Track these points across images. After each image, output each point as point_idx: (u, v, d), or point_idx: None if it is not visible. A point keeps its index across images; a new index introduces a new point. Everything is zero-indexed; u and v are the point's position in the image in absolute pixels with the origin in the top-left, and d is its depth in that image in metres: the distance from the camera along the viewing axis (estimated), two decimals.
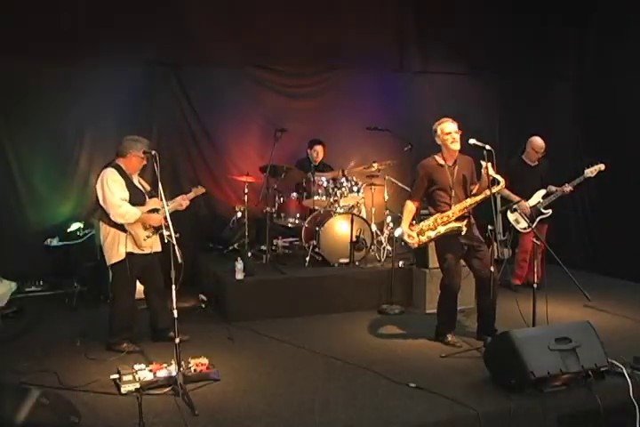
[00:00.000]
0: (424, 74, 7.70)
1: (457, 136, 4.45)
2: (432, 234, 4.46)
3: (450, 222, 4.45)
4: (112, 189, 4.31)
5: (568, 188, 6.05)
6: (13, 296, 5.61)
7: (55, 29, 6.06)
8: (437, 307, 4.75)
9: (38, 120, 6.18)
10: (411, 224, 4.55)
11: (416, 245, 4.56)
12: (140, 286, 4.67)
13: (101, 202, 4.37)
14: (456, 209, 4.46)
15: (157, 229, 4.50)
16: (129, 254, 4.37)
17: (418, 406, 3.53)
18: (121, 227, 4.37)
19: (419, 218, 4.74)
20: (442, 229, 4.44)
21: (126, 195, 4.36)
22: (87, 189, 6.45)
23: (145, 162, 4.52)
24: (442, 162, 4.55)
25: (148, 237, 4.45)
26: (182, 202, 4.68)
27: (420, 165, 4.61)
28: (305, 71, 7.27)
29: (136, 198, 4.43)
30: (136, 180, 4.57)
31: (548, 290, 5.00)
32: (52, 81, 6.16)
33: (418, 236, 4.47)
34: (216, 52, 6.76)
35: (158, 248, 4.64)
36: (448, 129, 4.46)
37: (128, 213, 4.31)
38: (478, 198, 4.43)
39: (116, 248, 4.37)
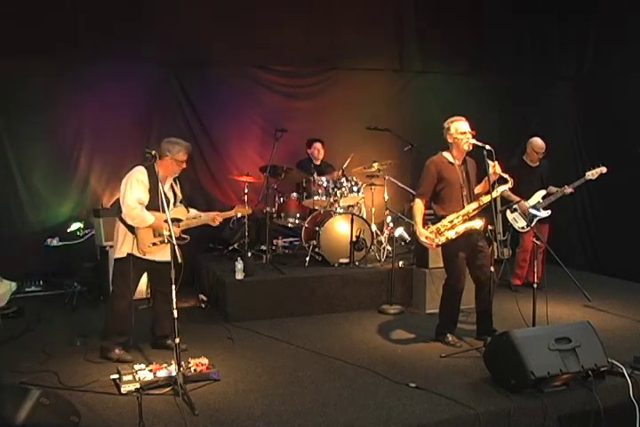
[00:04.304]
0: (424, 74, 7.71)
1: (470, 136, 4.40)
2: (451, 234, 4.36)
3: (467, 221, 4.40)
4: (133, 187, 4.14)
5: (568, 189, 6.05)
6: (13, 296, 5.61)
7: (55, 29, 6.07)
8: (440, 307, 4.72)
9: (38, 120, 6.18)
10: (423, 225, 4.46)
11: (434, 247, 4.49)
12: (142, 287, 4.63)
13: (121, 197, 4.20)
14: (470, 208, 4.42)
15: (168, 240, 4.24)
16: (130, 255, 4.21)
17: (418, 406, 3.53)
18: (130, 227, 4.21)
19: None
20: (460, 229, 4.37)
21: (145, 198, 4.17)
22: (87, 189, 6.48)
23: (184, 166, 4.34)
24: (452, 160, 4.50)
25: (153, 244, 4.24)
26: (216, 218, 4.52)
27: (430, 161, 4.53)
28: (305, 71, 7.28)
29: (157, 204, 4.15)
30: (168, 185, 4.38)
31: (548, 290, 5.02)
32: (52, 81, 6.17)
33: (436, 237, 4.39)
34: (216, 52, 6.76)
35: (167, 257, 4.27)
36: (463, 128, 4.41)
37: (139, 217, 4.12)
38: (492, 197, 4.33)
39: (120, 245, 4.24)
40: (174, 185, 4.47)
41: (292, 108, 7.20)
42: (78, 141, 6.40)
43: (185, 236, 4.37)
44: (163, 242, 4.24)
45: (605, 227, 7.43)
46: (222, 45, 6.77)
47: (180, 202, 4.50)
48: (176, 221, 4.33)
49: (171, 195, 4.41)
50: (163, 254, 4.32)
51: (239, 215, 4.70)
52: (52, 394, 3.14)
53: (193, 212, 4.58)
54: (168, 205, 4.27)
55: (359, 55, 7.31)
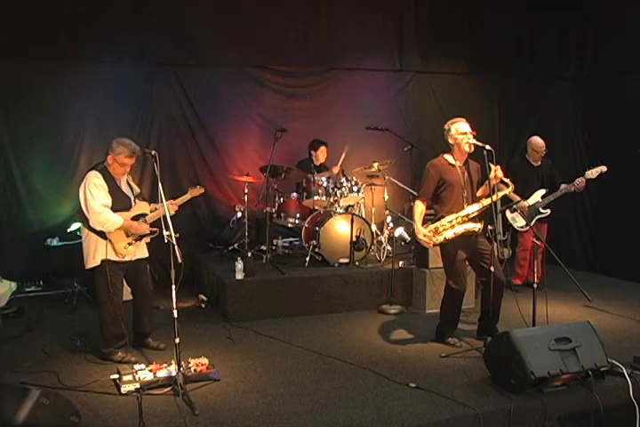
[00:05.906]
0: (424, 74, 7.70)
1: (471, 136, 4.40)
2: (449, 234, 4.38)
3: (466, 223, 4.41)
4: (93, 193, 4.11)
5: (582, 183, 5.87)
6: (13, 296, 5.61)
7: (55, 29, 6.07)
8: (441, 307, 4.71)
9: (38, 120, 6.18)
10: (423, 224, 4.47)
11: (431, 246, 4.50)
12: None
13: (82, 206, 4.17)
14: (470, 210, 4.42)
15: (141, 237, 4.32)
16: (105, 261, 4.16)
17: (418, 406, 3.53)
18: (101, 234, 4.16)
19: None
20: (459, 230, 4.37)
21: (109, 201, 4.16)
22: None
23: (129, 168, 4.31)
24: (453, 161, 4.51)
25: (129, 244, 4.24)
26: (170, 207, 4.28)
27: (431, 163, 4.54)
28: (305, 71, 7.27)
29: (121, 204, 4.24)
30: (125, 183, 4.38)
31: (548, 290, 5.02)
32: (52, 81, 6.16)
33: (434, 235, 4.39)
34: (216, 52, 6.75)
35: (144, 254, 4.45)
36: (464, 129, 4.42)
37: (108, 222, 4.10)
38: (492, 200, 4.31)
39: (93, 254, 4.18)
40: (130, 181, 4.47)
41: (292, 108, 7.19)
42: (78, 141, 6.39)
43: (154, 229, 4.33)
44: (137, 240, 4.31)
45: (605, 227, 7.44)
46: (222, 45, 6.76)
47: (137, 196, 4.47)
48: (142, 216, 4.35)
49: (130, 192, 4.40)
50: (140, 252, 4.40)
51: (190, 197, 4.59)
52: (52, 394, 3.15)
53: (152, 204, 4.56)
54: (130, 204, 4.33)
55: (359, 55, 7.30)
